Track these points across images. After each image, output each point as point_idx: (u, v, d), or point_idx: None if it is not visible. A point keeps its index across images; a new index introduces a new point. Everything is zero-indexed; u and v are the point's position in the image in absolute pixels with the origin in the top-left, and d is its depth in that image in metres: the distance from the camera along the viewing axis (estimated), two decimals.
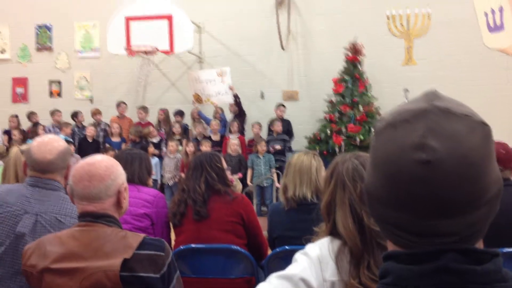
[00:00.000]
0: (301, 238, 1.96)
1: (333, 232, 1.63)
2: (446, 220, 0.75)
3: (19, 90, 10.74)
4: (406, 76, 9.19)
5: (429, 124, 0.75)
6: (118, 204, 1.81)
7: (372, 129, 8.24)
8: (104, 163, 1.81)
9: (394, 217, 0.79)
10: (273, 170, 8.00)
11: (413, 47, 9.44)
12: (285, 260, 2.65)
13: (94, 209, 1.76)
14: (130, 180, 2.00)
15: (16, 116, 9.67)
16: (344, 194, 1.65)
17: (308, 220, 2.27)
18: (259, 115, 9.31)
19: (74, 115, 9.72)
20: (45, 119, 9.76)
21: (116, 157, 2.55)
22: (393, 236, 0.81)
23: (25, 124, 9.74)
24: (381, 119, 0.82)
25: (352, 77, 8.69)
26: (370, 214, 0.87)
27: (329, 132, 8.50)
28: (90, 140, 8.97)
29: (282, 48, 9.15)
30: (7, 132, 9.42)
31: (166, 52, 8.80)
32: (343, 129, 8.38)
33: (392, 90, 9.04)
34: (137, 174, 3.10)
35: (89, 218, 1.74)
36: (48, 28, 10.65)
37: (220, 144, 8.48)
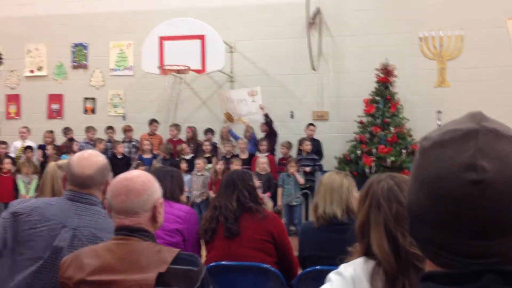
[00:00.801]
0: (331, 258, 1.94)
1: (368, 253, 1.62)
2: (491, 241, 0.74)
3: (55, 106, 11.00)
4: (438, 98, 9.10)
5: (479, 144, 0.75)
6: (154, 219, 1.83)
7: (404, 151, 8.18)
8: (141, 178, 1.84)
9: (437, 236, 0.78)
10: (294, 171, 7.99)
11: (446, 69, 9.36)
12: (315, 280, 2.64)
13: (130, 223, 1.78)
14: (162, 196, 2.03)
15: (52, 132, 9.91)
16: (379, 214, 1.63)
17: (338, 240, 2.26)
18: (289, 135, 9.32)
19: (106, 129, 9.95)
20: (78, 135, 9.97)
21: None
22: (434, 256, 0.80)
23: (59, 140, 9.96)
24: (426, 138, 0.82)
25: (383, 98, 8.64)
26: (410, 233, 0.86)
27: (359, 153, 8.44)
28: (119, 156, 9.12)
29: (313, 68, 9.17)
30: (42, 147, 9.65)
31: (197, 71, 8.92)
32: (374, 150, 8.32)
33: (424, 112, 8.96)
34: (169, 190, 3.14)
35: (125, 232, 1.77)
36: (84, 47, 10.92)
37: (249, 163, 8.50)
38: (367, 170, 8.12)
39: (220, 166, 8.19)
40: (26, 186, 8.60)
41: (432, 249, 0.80)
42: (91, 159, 2.24)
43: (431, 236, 0.79)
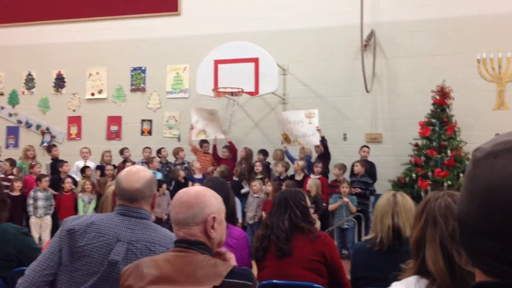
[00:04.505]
0: (385, 280, 1.92)
1: (421, 271, 1.61)
2: None
3: (114, 128, 11.39)
4: (497, 121, 8.83)
5: None
6: (206, 233, 1.86)
7: (461, 175, 7.95)
8: (196, 192, 1.90)
9: (488, 246, 0.78)
10: (343, 199, 7.91)
11: (505, 91, 9.09)
12: None
13: (184, 234, 1.84)
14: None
15: (109, 152, 10.27)
16: (435, 230, 1.62)
17: (392, 262, 2.23)
18: (342, 157, 9.25)
19: (158, 151, 10.20)
20: (135, 156, 10.27)
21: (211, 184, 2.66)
22: (485, 265, 0.80)
23: (117, 160, 10.27)
24: (479, 149, 0.83)
25: (439, 120, 8.47)
26: (460, 243, 0.86)
27: (414, 176, 8.28)
28: (182, 181, 9.30)
29: (367, 90, 9.10)
30: (99, 167, 10.00)
31: (251, 94, 9.03)
32: (429, 174, 8.14)
33: (482, 135, 8.67)
34: (229, 211, 3.14)
35: (184, 244, 1.83)
36: (142, 71, 11.30)
37: (301, 184, 8.47)
38: (422, 194, 7.94)
39: (268, 187, 8.20)
40: (85, 205, 8.89)
41: (482, 258, 0.80)
42: (139, 174, 2.32)
43: (482, 246, 0.80)
